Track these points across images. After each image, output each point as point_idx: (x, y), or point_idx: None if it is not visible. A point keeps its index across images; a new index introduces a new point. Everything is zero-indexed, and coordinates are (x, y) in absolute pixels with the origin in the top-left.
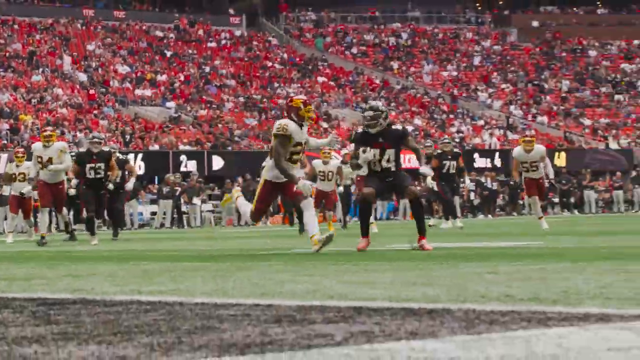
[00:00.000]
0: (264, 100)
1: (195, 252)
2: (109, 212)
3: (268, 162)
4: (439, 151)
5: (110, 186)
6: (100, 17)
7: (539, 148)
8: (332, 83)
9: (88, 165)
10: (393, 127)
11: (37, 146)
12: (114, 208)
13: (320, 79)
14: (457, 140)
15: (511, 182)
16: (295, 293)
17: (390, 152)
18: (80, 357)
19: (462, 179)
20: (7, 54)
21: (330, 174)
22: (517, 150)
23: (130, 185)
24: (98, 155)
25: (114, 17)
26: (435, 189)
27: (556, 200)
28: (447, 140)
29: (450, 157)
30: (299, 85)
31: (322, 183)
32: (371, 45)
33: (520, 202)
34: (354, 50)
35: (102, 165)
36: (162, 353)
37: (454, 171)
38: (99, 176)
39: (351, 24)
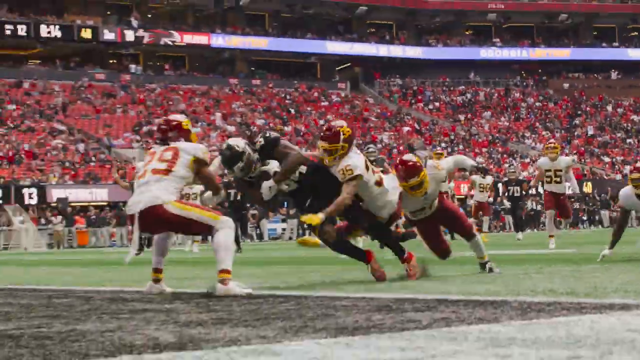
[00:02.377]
0: (363, 145)
1: (316, 258)
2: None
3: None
4: (506, 179)
5: None
6: (242, 84)
7: (564, 158)
8: (414, 131)
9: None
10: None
11: None
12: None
13: (405, 128)
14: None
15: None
16: (391, 288)
17: None
18: (232, 337)
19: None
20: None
21: None
22: (541, 160)
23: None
24: None
25: (252, 84)
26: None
27: (584, 218)
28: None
29: (514, 184)
30: (391, 132)
31: None
32: (443, 103)
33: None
34: (431, 106)
35: None
36: (292, 334)
37: (518, 195)
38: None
39: (429, 86)
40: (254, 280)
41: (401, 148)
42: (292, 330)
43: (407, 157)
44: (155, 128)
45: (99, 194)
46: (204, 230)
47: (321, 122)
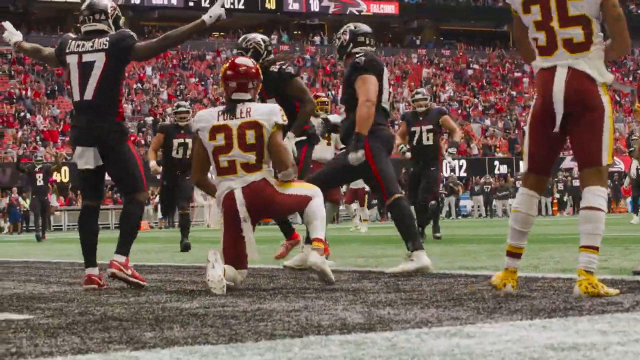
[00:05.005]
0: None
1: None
2: None
3: None
4: None
5: None
6: (430, 54)
7: None
8: None
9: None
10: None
11: None
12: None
13: None
14: None
15: None
16: None
17: None
18: (423, 317)
19: None
20: None
21: None
22: None
23: None
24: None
25: (441, 54)
26: None
27: None
28: None
29: None
30: None
31: None
32: None
33: None
34: (630, 77)
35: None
36: (486, 315)
37: None
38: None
39: (629, 55)
40: (444, 258)
41: None
42: (485, 312)
43: None
44: None
45: None
46: None
47: (513, 92)
